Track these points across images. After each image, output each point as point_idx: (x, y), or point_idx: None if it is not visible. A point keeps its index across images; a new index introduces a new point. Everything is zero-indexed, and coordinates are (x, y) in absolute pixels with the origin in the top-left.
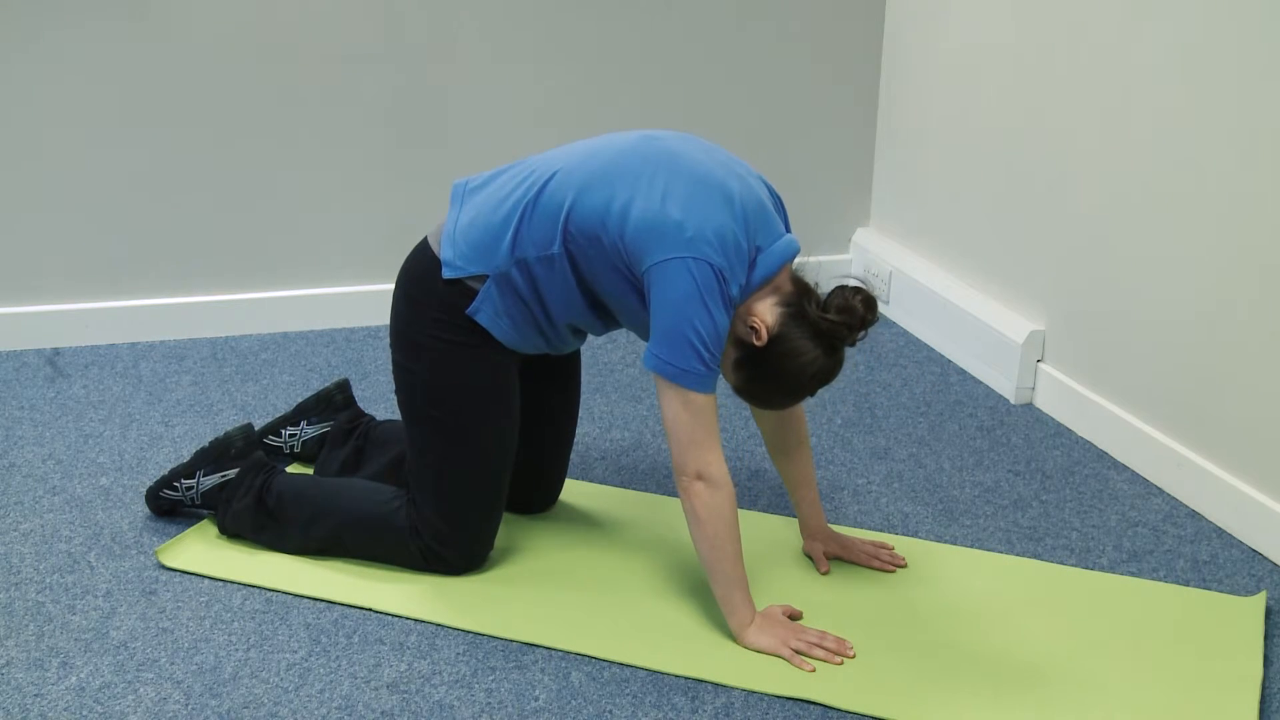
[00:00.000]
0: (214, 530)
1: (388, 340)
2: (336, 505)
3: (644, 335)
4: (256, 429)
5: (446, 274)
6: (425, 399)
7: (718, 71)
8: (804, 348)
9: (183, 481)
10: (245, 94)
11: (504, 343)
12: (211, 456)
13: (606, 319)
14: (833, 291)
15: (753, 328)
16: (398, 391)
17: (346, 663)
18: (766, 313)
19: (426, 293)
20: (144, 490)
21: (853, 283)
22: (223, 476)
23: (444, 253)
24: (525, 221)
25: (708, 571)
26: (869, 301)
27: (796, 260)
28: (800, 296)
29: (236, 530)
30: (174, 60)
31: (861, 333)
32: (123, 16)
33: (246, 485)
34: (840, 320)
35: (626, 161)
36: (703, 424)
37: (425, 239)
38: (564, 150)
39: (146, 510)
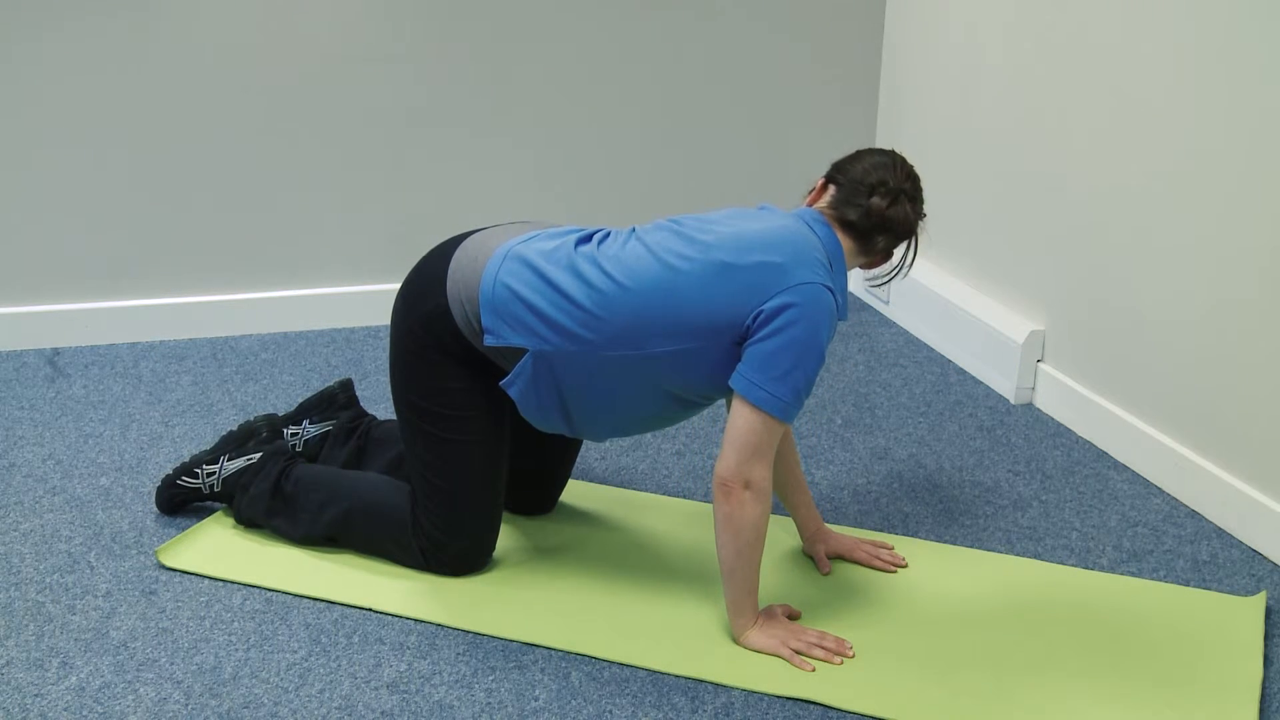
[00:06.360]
0: (214, 530)
1: (387, 340)
2: (353, 491)
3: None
4: None
5: (489, 341)
6: (417, 413)
7: (718, 71)
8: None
9: (205, 467)
10: (245, 94)
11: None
12: (238, 441)
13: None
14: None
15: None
16: (393, 396)
17: (346, 663)
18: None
19: (428, 331)
20: (144, 490)
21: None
22: (247, 460)
23: (485, 319)
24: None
25: (725, 574)
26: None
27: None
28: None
29: (250, 515)
30: (175, 61)
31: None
32: (123, 17)
33: (266, 470)
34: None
35: (681, 292)
36: (770, 441)
37: (445, 272)
38: (617, 285)
39: (147, 510)
